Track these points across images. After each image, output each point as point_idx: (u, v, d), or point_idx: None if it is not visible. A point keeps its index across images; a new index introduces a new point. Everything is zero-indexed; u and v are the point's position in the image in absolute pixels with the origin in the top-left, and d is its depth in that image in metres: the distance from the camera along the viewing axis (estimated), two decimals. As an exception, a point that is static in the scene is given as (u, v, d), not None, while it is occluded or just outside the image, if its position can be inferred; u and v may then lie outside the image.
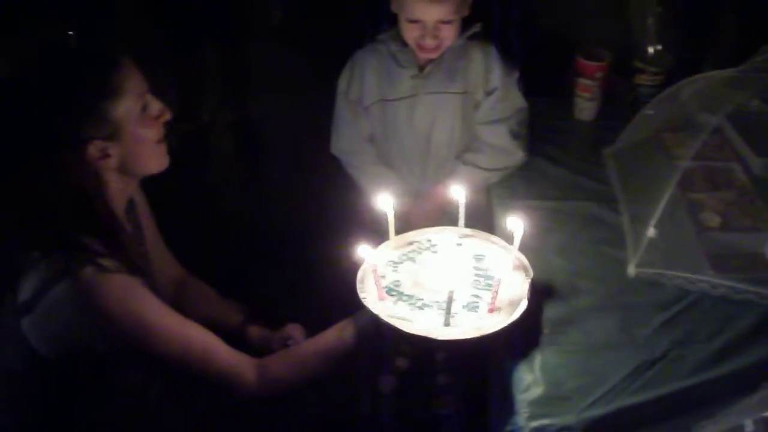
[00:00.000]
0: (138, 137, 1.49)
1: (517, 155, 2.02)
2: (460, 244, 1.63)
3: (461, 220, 1.63)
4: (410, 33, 1.89)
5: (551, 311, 1.56)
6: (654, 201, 1.67)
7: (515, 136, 2.01)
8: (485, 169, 1.99)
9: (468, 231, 1.64)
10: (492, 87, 1.99)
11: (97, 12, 2.33)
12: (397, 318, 1.42)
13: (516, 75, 2.01)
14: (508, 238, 1.51)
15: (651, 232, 1.64)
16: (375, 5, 1.99)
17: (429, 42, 1.88)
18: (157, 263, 1.74)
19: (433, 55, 1.92)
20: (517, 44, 2.11)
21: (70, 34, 1.48)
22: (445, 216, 1.66)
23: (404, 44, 1.95)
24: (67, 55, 1.44)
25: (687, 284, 1.61)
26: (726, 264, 1.65)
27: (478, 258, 1.58)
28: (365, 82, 2.00)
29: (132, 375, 1.56)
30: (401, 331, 1.39)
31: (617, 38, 2.56)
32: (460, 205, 1.60)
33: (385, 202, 1.55)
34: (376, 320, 1.44)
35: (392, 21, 1.98)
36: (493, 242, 1.62)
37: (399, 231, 1.62)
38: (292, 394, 1.61)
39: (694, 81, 1.88)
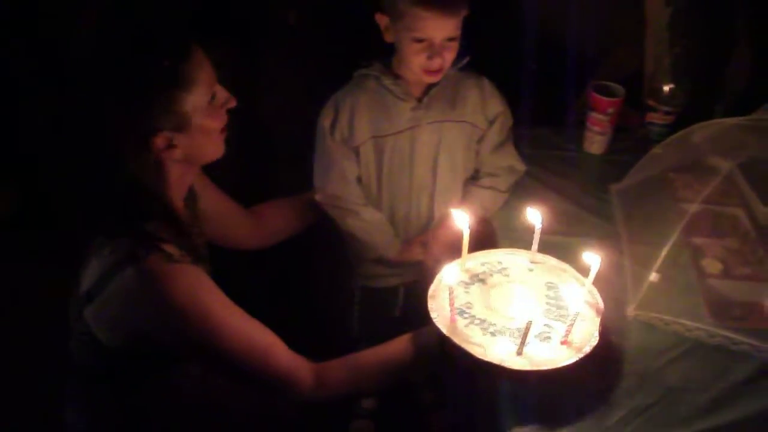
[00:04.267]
0: (204, 128, 1.50)
1: (522, 169, 2.06)
2: (531, 270, 1.62)
3: (535, 245, 1.62)
4: (417, 56, 1.82)
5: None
6: (657, 243, 1.68)
7: (516, 152, 2.05)
8: (504, 192, 2.03)
9: (539, 256, 1.64)
10: (494, 114, 1.99)
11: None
12: (470, 342, 1.40)
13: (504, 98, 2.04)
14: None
15: (653, 276, 1.64)
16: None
17: (437, 62, 1.81)
18: (238, 223, 1.94)
19: (437, 78, 1.87)
20: (528, 73, 2.11)
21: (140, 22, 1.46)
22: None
23: (396, 77, 1.91)
24: (141, 44, 1.42)
25: (684, 331, 1.61)
26: (725, 313, 1.65)
27: (550, 286, 1.57)
28: (355, 120, 1.92)
29: (191, 369, 1.58)
30: (473, 356, 1.38)
31: (631, 73, 2.58)
32: (536, 230, 1.60)
33: (461, 218, 1.54)
34: (442, 340, 1.43)
35: (374, 55, 1.95)
36: (564, 270, 1.62)
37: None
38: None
39: (706, 126, 1.88)
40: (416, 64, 1.83)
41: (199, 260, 1.52)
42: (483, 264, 1.63)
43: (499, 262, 1.64)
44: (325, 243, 2.24)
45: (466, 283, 1.57)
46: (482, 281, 1.58)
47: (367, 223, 2.00)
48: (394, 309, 2.22)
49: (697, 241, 1.84)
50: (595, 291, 1.53)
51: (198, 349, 1.46)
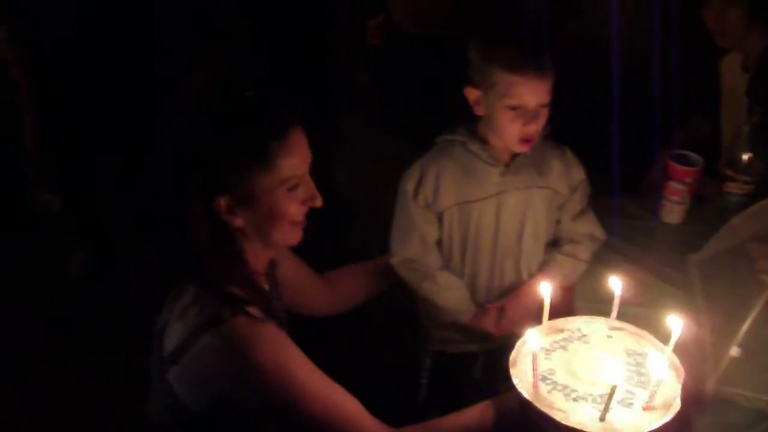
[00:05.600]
0: (271, 212, 1.50)
1: (602, 237, 2.07)
2: (610, 336, 1.63)
3: (614, 313, 1.63)
4: (512, 124, 1.85)
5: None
6: (738, 316, 1.67)
7: (596, 220, 2.07)
8: (585, 261, 2.04)
9: (617, 323, 1.65)
10: (577, 182, 2.03)
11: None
12: (553, 408, 1.41)
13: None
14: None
15: (734, 351, 1.63)
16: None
17: (532, 128, 1.85)
18: (313, 290, 1.95)
19: (529, 147, 1.90)
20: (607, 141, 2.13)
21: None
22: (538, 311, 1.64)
23: (483, 141, 1.94)
24: (240, 109, 1.46)
25: (766, 408, 1.59)
26: (809, 390, 1.62)
27: (630, 353, 1.57)
28: (440, 186, 1.95)
29: (268, 429, 1.58)
30: (556, 422, 1.39)
31: (707, 140, 2.59)
32: (615, 297, 1.61)
33: (544, 287, 1.56)
34: (524, 406, 1.44)
35: (455, 119, 1.99)
36: (641, 337, 1.62)
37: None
38: None
39: (786, 196, 1.88)
40: (511, 133, 1.87)
41: (280, 324, 1.56)
42: (563, 331, 1.64)
43: (579, 329, 1.65)
44: (387, 306, 2.26)
45: (548, 350, 1.57)
46: (563, 348, 1.59)
47: (443, 287, 2.01)
48: (471, 375, 2.19)
49: (778, 314, 1.82)
50: (675, 357, 1.52)
51: (279, 412, 1.48)
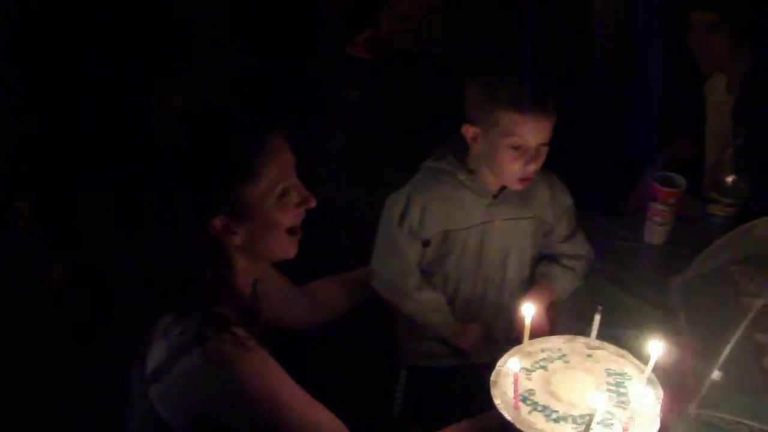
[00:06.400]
0: (267, 221, 1.49)
1: (592, 256, 2.08)
2: (590, 356, 1.62)
3: (594, 332, 1.62)
4: (512, 164, 1.83)
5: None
6: (719, 339, 1.65)
7: (587, 240, 2.08)
8: (580, 278, 2.06)
9: (597, 343, 1.64)
10: (563, 209, 2.03)
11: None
12: (534, 429, 1.40)
13: None
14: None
15: (716, 374, 1.62)
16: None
17: (531, 168, 1.84)
18: (293, 303, 1.93)
19: (527, 185, 1.90)
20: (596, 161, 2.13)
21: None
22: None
23: (471, 171, 1.93)
24: (216, 129, 1.46)
25: (748, 432, 1.59)
26: (790, 414, 1.61)
27: (610, 372, 1.57)
28: (426, 214, 1.94)
29: None
30: None
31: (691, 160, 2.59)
32: (595, 318, 1.60)
33: (527, 308, 1.55)
34: (505, 427, 1.42)
35: (443, 144, 1.99)
36: (621, 356, 1.61)
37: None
38: None
39: (770, 219, 1.87)
40: (511, 173, 1.86)
41: (263, 343, 1.54)
42: (543, 350, 1.63)
43: (559, 349, 1.64)
44: (365, 319, 2.25)
45: (528, 370, 1.57)
46: (543, 368, 1.58)
47: (424, 305, 2.01)
48: (451, 390, 2.15)
49: (761, 338, 1.81)
50: (654, 378, 1.52)
51: (261, 431, 1.47)
